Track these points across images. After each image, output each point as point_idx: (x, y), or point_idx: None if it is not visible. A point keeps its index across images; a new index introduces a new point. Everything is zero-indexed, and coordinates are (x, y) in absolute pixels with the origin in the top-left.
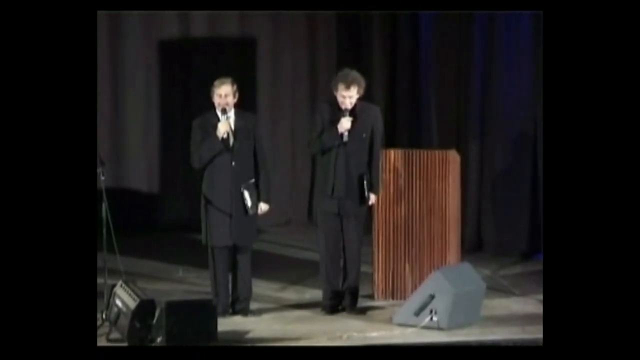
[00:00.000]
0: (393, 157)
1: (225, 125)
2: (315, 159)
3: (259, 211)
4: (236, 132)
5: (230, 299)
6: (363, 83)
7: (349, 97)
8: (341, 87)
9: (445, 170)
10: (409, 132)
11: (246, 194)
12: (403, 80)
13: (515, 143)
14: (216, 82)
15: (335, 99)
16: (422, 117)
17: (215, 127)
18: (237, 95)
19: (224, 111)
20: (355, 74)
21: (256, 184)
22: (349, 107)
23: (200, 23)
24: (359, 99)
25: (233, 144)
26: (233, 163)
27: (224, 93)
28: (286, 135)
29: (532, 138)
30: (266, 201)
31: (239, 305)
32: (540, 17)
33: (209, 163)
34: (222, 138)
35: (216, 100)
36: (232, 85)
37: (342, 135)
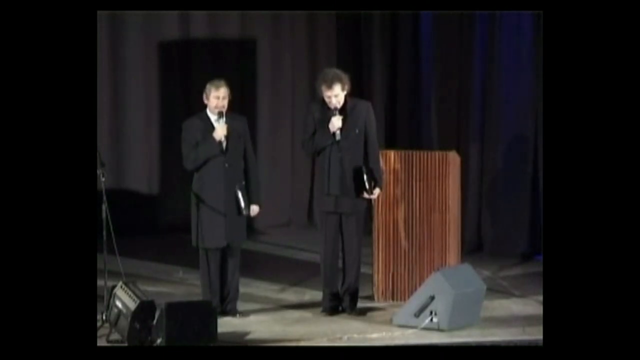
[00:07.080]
0: (393, 158)
1: (224, 129)
2: (315, 160)
3: (252, 213)
4: (229, 134)
5: (219, 299)
6: (345, 79)
7: (334, 96)
8: (324, 88)
9: (445, 171)
10: (409, 133)
11: (240, 195)
12: (403, 81)
13: (515, 144)
14: (213, 84)
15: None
16: (422, 118)
17: (210, 130)
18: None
19: (221, 114)
20: (334, 72)
21: (246, 186)
22: (338, 105)
23: (200, 23)
24: (348, 95)
25: (227, 146)
26: (226, 165)
27: (222, 95)
28: (286, 135)
29: (532, 139)
30: (257, 203)
31: (228, 306)
32: (540, 17)
33: (202, 165)
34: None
35: (213, 102)
36: (228, 87)
37: (334, 134)
